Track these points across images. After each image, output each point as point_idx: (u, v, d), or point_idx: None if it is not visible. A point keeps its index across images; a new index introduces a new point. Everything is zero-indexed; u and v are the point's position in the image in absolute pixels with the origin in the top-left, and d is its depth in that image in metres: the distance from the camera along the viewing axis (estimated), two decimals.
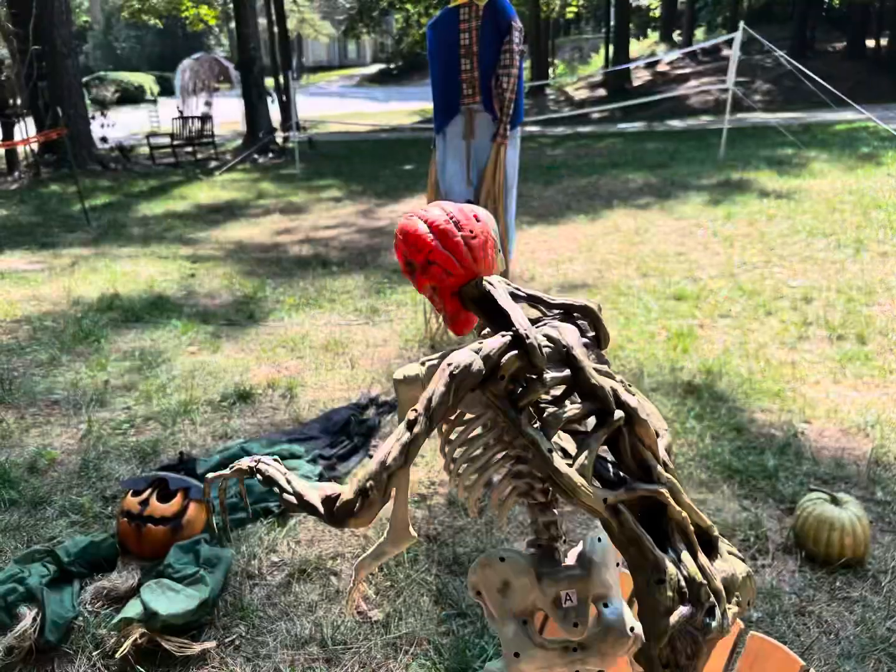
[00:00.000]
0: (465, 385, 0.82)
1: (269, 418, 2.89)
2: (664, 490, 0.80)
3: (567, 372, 0.84)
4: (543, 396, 0.86)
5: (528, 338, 0.82)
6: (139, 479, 2.11)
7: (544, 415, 0.84)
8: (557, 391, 0.86)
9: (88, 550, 1.96)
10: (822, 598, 1.77)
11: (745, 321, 3.71)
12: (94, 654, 1.68)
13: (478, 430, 0.91)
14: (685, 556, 0.77)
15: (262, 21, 21.09)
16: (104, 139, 12.50)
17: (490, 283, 0.93)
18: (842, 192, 6.58)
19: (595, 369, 0.85)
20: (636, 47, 26.42)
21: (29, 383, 3.29)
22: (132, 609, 1.69)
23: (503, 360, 0.82)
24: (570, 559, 0.92)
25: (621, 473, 0.83)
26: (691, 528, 0.80)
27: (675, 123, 15.59)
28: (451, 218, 0.94)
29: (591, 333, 0.93)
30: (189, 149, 13.24)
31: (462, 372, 0.81)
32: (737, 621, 0.95)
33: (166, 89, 29.72)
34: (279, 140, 14.09)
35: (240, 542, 2.08)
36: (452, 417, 0.92)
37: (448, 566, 1.95)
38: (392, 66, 39.79)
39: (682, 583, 0.75)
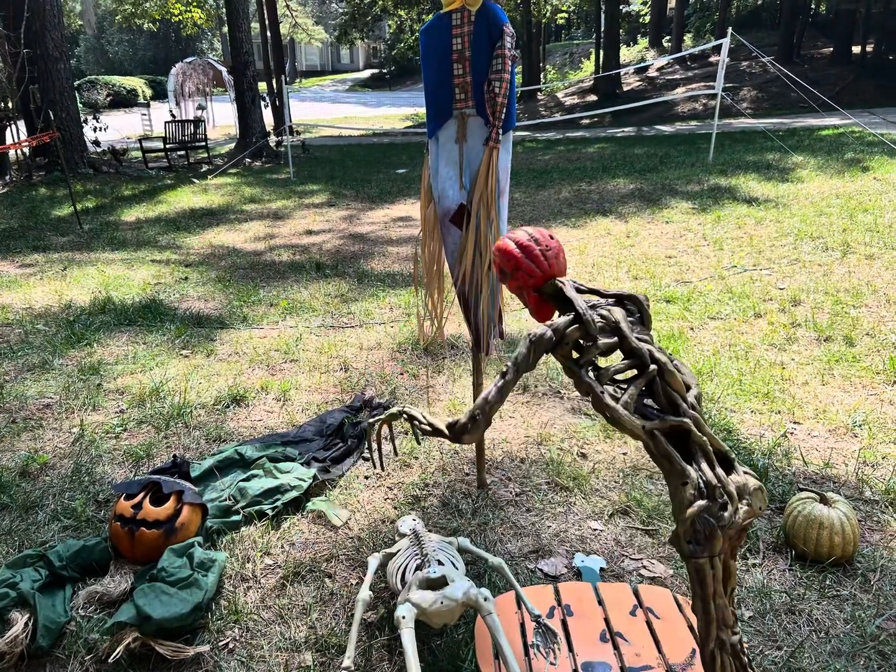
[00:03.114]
0: (540, 348, 1.19)
1: (263, 421, 2.89)
2: (688, 420, 1.10)
3: (615, 339, 1.20)
4: (598, 356, 1.20)
5: (584, 315, 1.19)
6: (132, 482, 2.10)
7: (599, 370, 1.19)
8: (609, 353, 1.21)
9: (81, 554, 1.95)
10: (812, 597, 1.79)
11: (734, 323, 3.75)
12: (86, 659, 1.68)
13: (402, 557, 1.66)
14: (704, 467, 1.07)
15: (256, 25, 21.11)
16: (96, 143, 12.44)
17: (561, 282, 1.28)
18: (829, 196, 6.65)
19: (637, 337, 1.20)
20: (626, 53, 26.64)
21: (20, 387, 3.27)
22: (125, 613, 1.68)
23: (567, 331, 1.20)
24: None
25: (656, 409, 1.15)
26: (710, 449, 1.09)
27: (665, 128, 15.72)
28: (532, 237, 1.32)
29: (637, 315, 1.25)
30: (182, 152, 13.22)
31: (538, 339, 1.19)
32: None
33: (159, 93, 29.67)
34: (272, 144, 14.09)
35: (234, 545, 2.07)
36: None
37: None
38: (384, 71, 39.91)
39: (701, 485, 1.05)
